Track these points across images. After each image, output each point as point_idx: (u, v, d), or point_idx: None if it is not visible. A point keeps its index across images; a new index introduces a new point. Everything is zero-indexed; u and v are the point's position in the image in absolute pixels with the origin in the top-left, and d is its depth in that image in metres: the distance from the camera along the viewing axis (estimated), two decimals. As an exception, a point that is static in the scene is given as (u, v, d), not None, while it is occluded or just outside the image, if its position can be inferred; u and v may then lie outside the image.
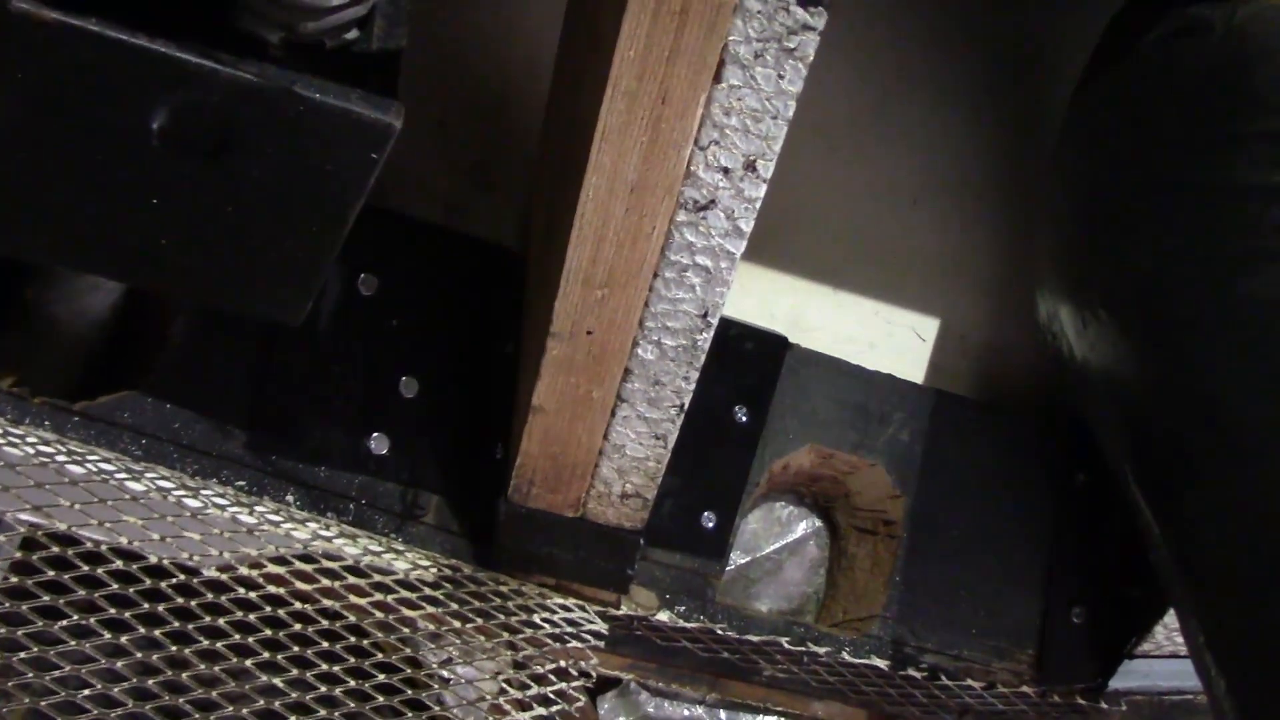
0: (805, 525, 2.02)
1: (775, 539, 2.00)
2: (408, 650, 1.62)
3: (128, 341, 1.57)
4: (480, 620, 1.62)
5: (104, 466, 1.45)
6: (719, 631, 1.82)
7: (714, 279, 1.36)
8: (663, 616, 1.80)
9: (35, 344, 1.54)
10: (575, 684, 1.66)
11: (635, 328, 1.40)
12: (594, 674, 1.68)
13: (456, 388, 1.67)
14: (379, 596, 1.55)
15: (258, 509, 1.54)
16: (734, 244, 1.33)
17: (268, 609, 1.47)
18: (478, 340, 1.68)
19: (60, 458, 1.42)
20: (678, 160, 1.25)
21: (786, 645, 1.86)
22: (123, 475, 1.45)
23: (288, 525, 1.54)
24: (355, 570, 1.56)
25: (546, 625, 1.67)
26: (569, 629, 1.69)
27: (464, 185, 1.77)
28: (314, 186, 1.25)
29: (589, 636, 1.70)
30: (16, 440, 1.42)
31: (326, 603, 1.51)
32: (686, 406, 1.49)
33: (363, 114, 1.20)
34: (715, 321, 1.40)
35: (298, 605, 1.49)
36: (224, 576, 1.46)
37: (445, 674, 1.68)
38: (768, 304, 1.92)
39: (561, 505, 1.61)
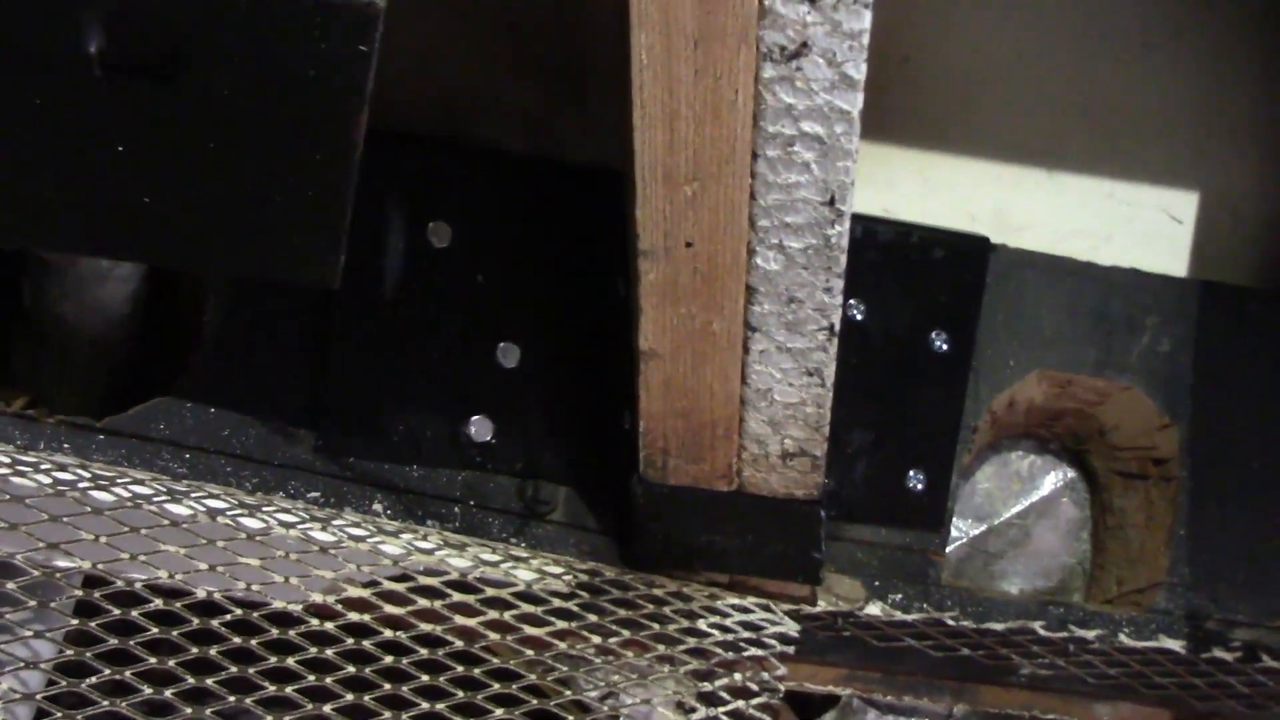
0: (1054, 477, 1.82)
1: (1017, 499, 1.81)
2: (548, 678, 1.50)
3: (157, 338, 1.51)
4: (627, 633, 1.49)
5: (137, 490, 1.38)
6: (950, 622, 1.65)
7: (831, 150, 1.20)
8: (874, 610, 1.64)
9: (45, 354, 1.48)
10: (758, 701, 1.52)
11: (745, 229, 1.26)
12: (781, 687, 1.53)
13: (566, 348, 1.56)
14: (494, 615, 1.44)
15: (335, 523, 1.45)
16: (846, 98, 1.17)
17: (350, 641, 1.37)
18: (584, 286, 1.56)
19: (83, 484, 1.36)
20: (744, -5, 1.10)
21: (1042, 632, 1.68)
22: (161, 498, 1.38)
23: (375, 539, 1.45)
24: (463, 586, 1.45)
25: (716, 633, 1.53)
26: (746, 635, 1.54)
27: (548, 100, 1.65)
28: (298, 98, 1.15)
29: (773, 641, 1.55)
30: (28, 469, 1.36)
31: (426, 628, 1.41)
32: (838, 327, 1.34)
33: (334, -5, 1.09)
34: (848, 209, 1.25)
35: (388, 634, 1.39)
36: (294, 608, 1.37)
37: (609, 708, 1.57)
38: (963, 201, 1.74)
39: (710, 477, 1.47)
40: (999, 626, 1.67)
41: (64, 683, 1.28)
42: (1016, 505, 1.82)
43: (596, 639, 1.49)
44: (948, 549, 1.79)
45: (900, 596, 1.65)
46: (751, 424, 1.42)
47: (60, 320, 1.45)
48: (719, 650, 1.54)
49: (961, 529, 1.81)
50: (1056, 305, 1.70)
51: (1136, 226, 1.79)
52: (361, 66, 1.14)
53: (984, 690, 1.78)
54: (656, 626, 1.52)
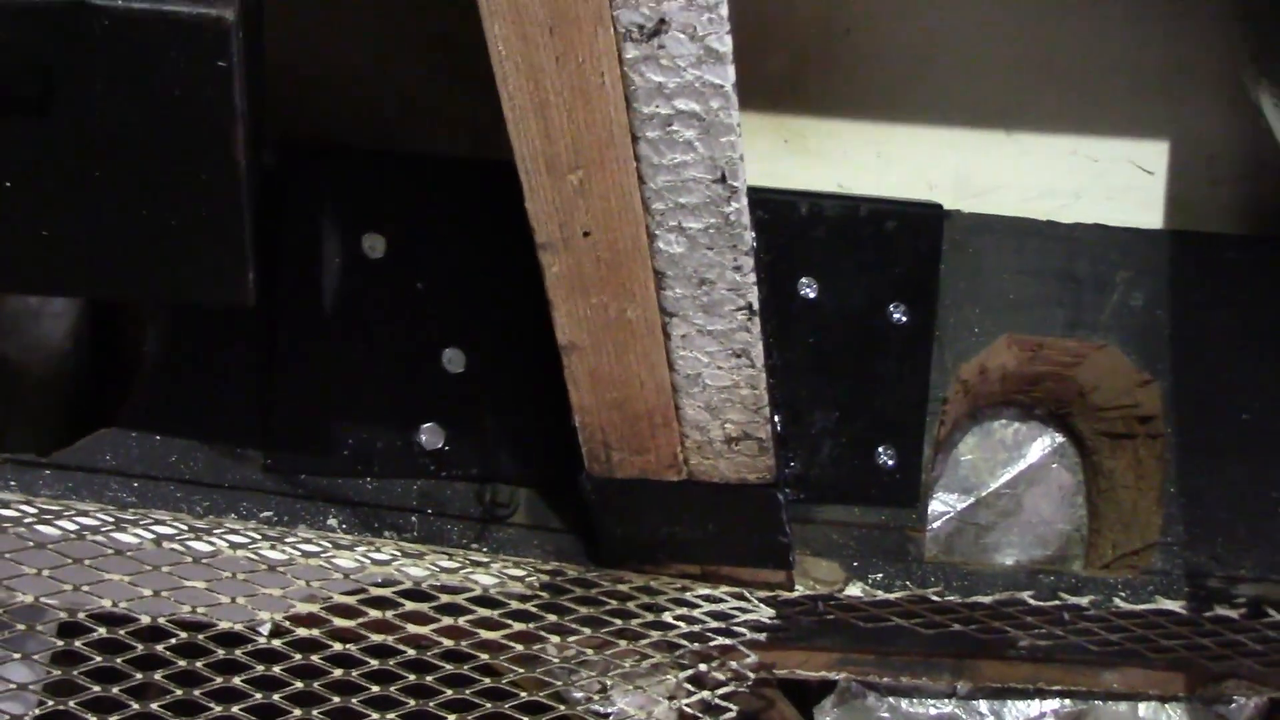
0: (1042, 443, 1.78)
1: (1004, 468, 1.77)
2: (502, 681, 1.49)
3: (104, 371, 1.52)
4: (588, 631, 1.48)
5: (83, 521, 1.39)
6: (935, 599, 1.61)
7: (712, 126, 1.18)
8: (854, 590, 1.61)
9: (-7, 397, 1.51)
10: (724, 690, 1.50)
11: (641, 213, 1.24)
12: (749, 674, 1.51)
13: (513, 349, 1.55)
14: (449, 621, 1.43)
15: (288, 541, 1.45)
16: (716, 73, 1.15)
17: (298, 657, 1.37)
18: (526, 285, 1.53)
19: (28, 519, 1.37)
20: (591, -26, 1.09)
21: (1032, 602, 1.63)
22: (108, 528, 1.39)
23: (328, 554, 1.45)
24: (418, 595, 1.44)
25: (682, 624, 1.51)
26: (714, 624, 1.52)
27: (488, 106, 1.63)
28: (170, 119, 1.16)
29: (743, 630, 1.52)
30: (-34, 511, 1.38)
31: (376, 639, 1.41)
32: (756, 305, 1.32)
33: (182, 14, 1.11)
34: (741, 184, 1.22)
35: (338, 647, 1.39)
36: (239, 627, 1.37)
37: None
38: (921, 170, 1.70)
39: (658, 468, 1.46)
40: (987, 599, 1.63)
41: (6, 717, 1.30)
42: (1004, 475, 1.78)
43: (555, 639, 1.48)
44: (935, 524, 1.75)
45: (881, 576, 1.62)
46: (688, 410, 1.40)
47: (3, 360, 1.47)
48: (684, 642, 1.52)
49: (948, 503, 1.77)
50: (1020, 268, 1.65)
51: (1105, 181, 1.73)
52: (224, 81, 1.14)
53: (984, 665, 1.74)
54: (619, 622, 1.51)
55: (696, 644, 1.52)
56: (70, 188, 1.20)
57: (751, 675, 1.53)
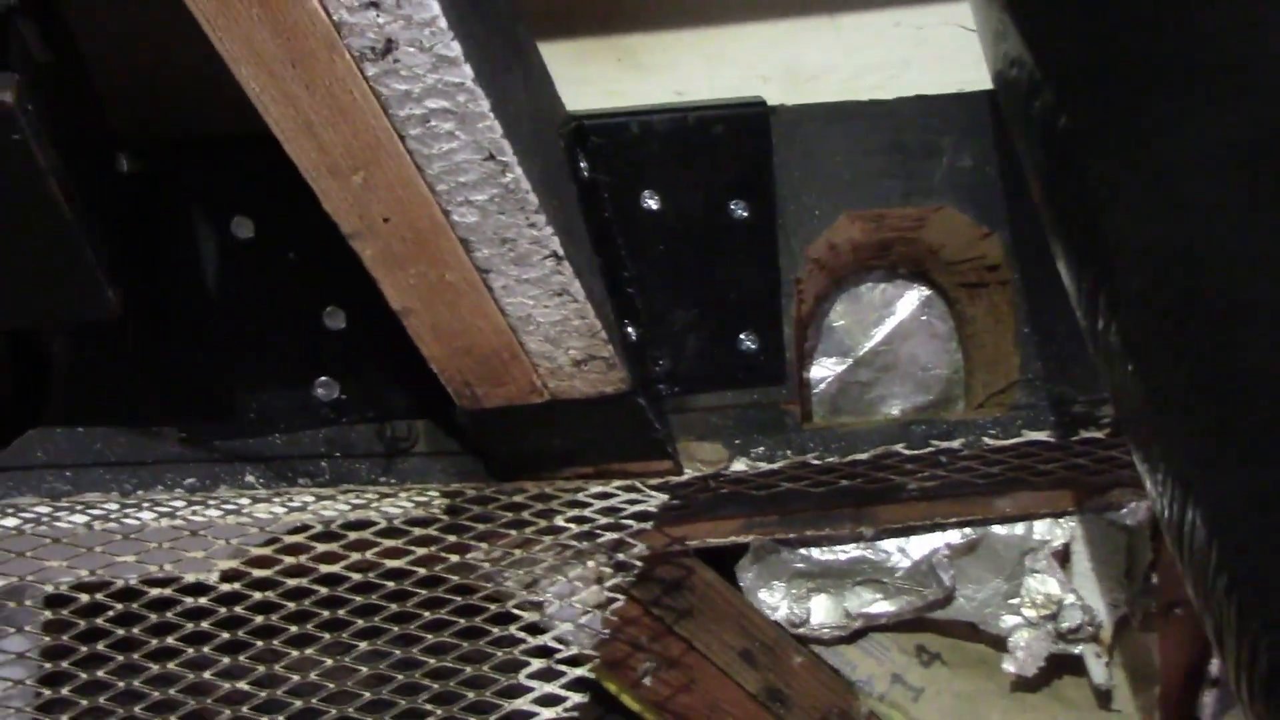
0: (910, 298, 1.88)
1: (875, 327, 1.88)
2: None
3: (26, 376, 1.68)
4: (485, 546, 1.64)
5: (24, 515, 1.56)
6: (816, 462, 1.74)
7: (466, 116, 1.30)
8: (739, 465, 1.75)
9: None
10: (612, 581, 1.66)
11: (429, 196, 1.36)
12: (636, 561, 1.66)
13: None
14: (357, 556, 1.60)
15: (211, 502, 1.62)
16: (453, 73, 1.26)
17: (222, 610, 1.55)
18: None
19: (-28, 521, 1.55)
20: (310, 17, 1.21)
21: (906, 452, 1.75)
22: (46, 517, 1.56)
23: (248, 509, 1.61)
24: (329, 536, 1.61)
25: (573, 525, 1.66)
26: (605, 520, 1.67)
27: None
28: (-5, 183, 1.30)
29: (630, 521, 1.67)
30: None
31: (291, 583, 1.58)
32: (562, 251, 1.44)
33: (-41, 103, 1.24)
34: (510, 158, 1.34)
35: (257, 596, 1.56)
36: (169, 591, 1.55)
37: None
38: (752, 67, 1.78)
39: (521, 394, 1.59)
40: (864, 456, 1.76)
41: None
42: (878, 333, 1.89)
43: (455, 558, 1.64)
44: (818, 389, 1.88)
45: (762, 449, 1.75)
46: (531, 344, 1.52)
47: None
48: (579, 542, 1.67)
49: (828, 367, 1.88)
50: (850, 149, 1.74)
51: (931, 47, 1.80)
52: (23, 149, 1.28)
53: (881, 510, 1.88)
54: (514, 534, 1.66)
55: (607, 534, 1.67)
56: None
57: (641, 562, 1.69)
